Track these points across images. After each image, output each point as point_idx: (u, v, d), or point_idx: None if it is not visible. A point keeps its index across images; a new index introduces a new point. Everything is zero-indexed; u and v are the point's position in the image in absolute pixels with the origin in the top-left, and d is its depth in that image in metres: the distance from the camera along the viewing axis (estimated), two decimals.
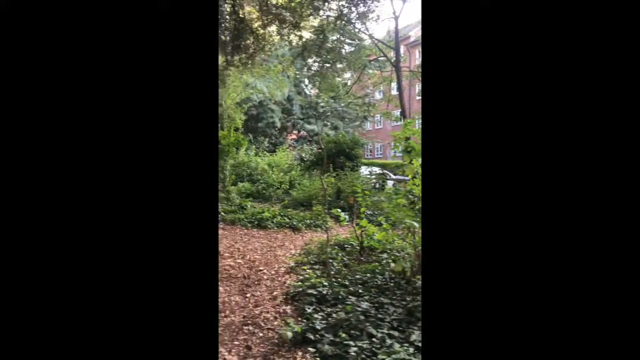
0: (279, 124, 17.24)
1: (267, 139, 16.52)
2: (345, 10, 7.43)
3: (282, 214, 6.83)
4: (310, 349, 2.44)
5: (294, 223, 6.30)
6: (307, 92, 18.26)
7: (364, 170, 10.67)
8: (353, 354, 2.25)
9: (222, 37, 7.21)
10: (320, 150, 10.66)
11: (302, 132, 18.43)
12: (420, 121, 1.34)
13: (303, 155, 12.26)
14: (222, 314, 2.97)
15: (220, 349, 2.48)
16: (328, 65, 9.06)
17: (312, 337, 2.54)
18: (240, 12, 7.13)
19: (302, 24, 7.41)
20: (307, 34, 8.26)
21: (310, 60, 9.99)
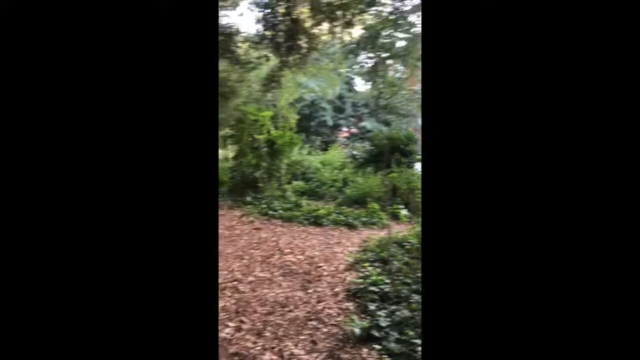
0: (330, 122, 17.30)
1: (319, 138, 16.66)
2: (399, 4, 7.28)
3: (337, 211, 6.86)
4: (375, 346, 2.43)
5: (350, 220, 6.30)
6: (359, 89, 18.15)
7: (419, 167, 10.41)
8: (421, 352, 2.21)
9: (277, 40, 7.38)
10: (373, 147, 10.56)
11: (354, 129, 18.36)
12: None
13: (355, 152, 12.20)
14: (287, 309, 3.06)
15: (287, 343, 2.55)
16: (381, 60, 8.93)
17: (376, 334, 2.53)
18: (294, 13, 7.24)
19: (354, 20, 7.37)
20: (359, 31, 8.21)
21: (362, 57, 9.91)
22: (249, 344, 2.53)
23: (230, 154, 10.37)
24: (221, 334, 2.65)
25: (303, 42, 7.61)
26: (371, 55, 8.89)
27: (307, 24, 7.51)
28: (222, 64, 8.15)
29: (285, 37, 7.23)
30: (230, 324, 2.80)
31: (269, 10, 7.42)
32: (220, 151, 11.80)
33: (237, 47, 7.88)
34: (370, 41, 8.32)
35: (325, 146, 15.29)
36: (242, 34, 7.91)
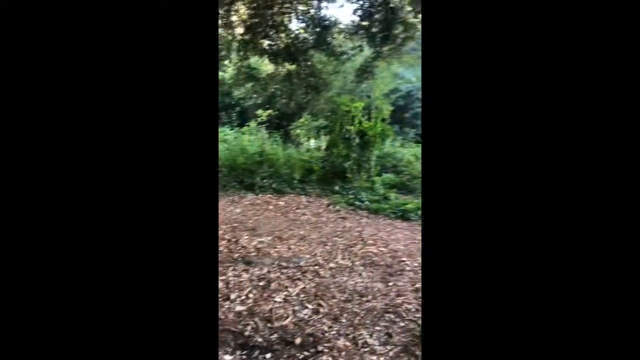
0: None
1: (413, 130, 16.13)
2: None
3: None
4: None
5: None
6: None
7: None
8: None
9: (372, 30, 7.31)
10: None
11: None
12: None
13: None
14: (364, 298, 3.07)
15: (362, 331, 2.57)
16: None
17: None
18: (391, 3, 7.08)
19: None
20: None
21: None
22: (325, 327, 2.61)
23: (323, 144, 10.63)
24: (299, 314, 2.78)
25: (400, 32, 7.42)
26: None
27: (405, 13, 7.30)
28: (318, 56, 8.35)
29: (381, 27, 7.12)
30: (309, 305, 2.91)
31: (367, 1, 7.36)
32: (313, 141, 12.18)
33: (334, 38, 8.00)
34: None
35: (420, 139, 14.76)
36: (339, 26, 8.00)
